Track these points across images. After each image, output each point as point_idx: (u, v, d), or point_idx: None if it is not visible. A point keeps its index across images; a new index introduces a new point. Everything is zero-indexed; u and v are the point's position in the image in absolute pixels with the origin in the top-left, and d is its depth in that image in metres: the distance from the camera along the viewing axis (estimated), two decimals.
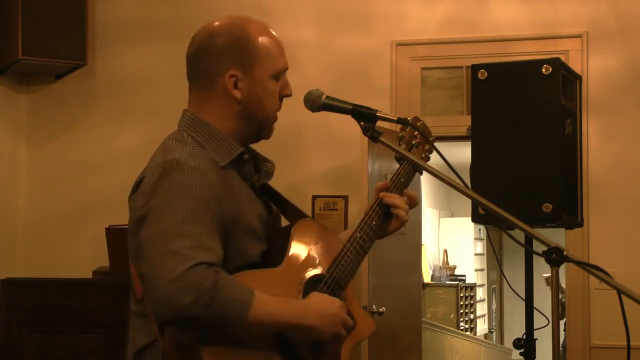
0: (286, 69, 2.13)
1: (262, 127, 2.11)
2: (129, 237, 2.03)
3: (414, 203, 2.30)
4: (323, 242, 2.12)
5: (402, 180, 2.28)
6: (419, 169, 2.27)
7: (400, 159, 2.26)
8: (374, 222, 2.20)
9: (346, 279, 2.10)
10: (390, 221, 2.25)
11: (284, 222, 2.20)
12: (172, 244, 1.82)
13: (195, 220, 1.85)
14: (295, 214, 2.19)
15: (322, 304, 1.99)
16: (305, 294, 2.02)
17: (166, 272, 1.79)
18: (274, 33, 2.14)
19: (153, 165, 1.98)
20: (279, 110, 2.13)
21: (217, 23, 2.11)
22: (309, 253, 2.08)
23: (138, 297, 2.02)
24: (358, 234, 2.16)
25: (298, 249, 2.06)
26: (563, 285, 4.94)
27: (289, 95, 2.14)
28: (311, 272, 2.07)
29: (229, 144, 2.05)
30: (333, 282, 2.07)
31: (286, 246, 2.04)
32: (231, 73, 2.05)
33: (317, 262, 2.09)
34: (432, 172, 2.15)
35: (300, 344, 1.97)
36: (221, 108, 2.07)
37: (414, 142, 2.35)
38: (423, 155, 2.37)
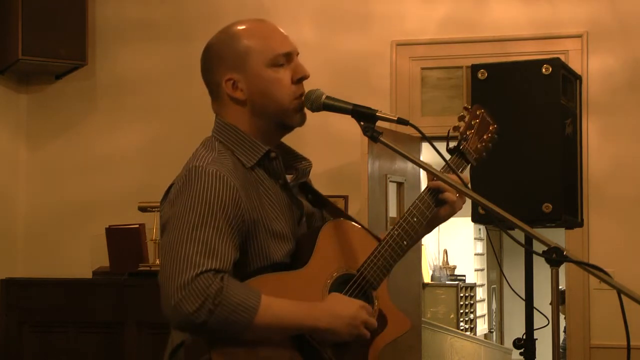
0: (287, 52, 2.11)
1: (280, 117, 2.10)
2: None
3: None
4: (355, 242, 2.11)
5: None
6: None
7: (452, 150, 2.23)
8: (415, 219, 2.15)
9: (379, 278, 2.09)
10: (441, 207, 2.20)
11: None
12: (182, 250, 1.87)
13: (207, 225, 1.89)
14: (334, 214, 2.18)
15: (338, 305, 1.99)
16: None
17: (173, 279, 1.84)
18: (266, 23, 2.14)
19: (181, 173, 2.02)
20: (300, 93, 2.11)
21: (213, 36, 2.14)
22: (336, 253, 2.07)
23: None
24: (395, 232, 2.12)
25: (324, 250, 2.05)
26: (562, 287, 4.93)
27: (305, 77, 2.13)
28: (338, 273, 2.06)
29: (254, 145, 2.07)
30: (364, 281, 2.07)
31: (313, 247, 2.04)
32: (227, 78, 2.08)
33: (346, 262, 2.08)
34: (433, 172, 2.14)
35: (321, 344, 1.98)
36: (235, 113, 2.09)
37: (468, 132, 2.29)
38: (480, 145, 2.31)
